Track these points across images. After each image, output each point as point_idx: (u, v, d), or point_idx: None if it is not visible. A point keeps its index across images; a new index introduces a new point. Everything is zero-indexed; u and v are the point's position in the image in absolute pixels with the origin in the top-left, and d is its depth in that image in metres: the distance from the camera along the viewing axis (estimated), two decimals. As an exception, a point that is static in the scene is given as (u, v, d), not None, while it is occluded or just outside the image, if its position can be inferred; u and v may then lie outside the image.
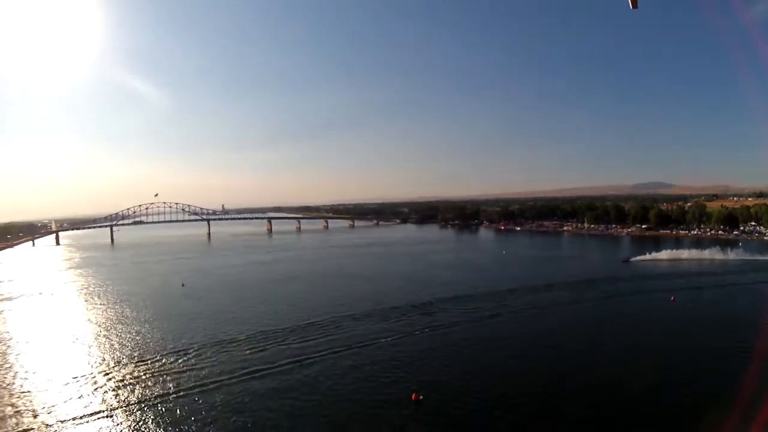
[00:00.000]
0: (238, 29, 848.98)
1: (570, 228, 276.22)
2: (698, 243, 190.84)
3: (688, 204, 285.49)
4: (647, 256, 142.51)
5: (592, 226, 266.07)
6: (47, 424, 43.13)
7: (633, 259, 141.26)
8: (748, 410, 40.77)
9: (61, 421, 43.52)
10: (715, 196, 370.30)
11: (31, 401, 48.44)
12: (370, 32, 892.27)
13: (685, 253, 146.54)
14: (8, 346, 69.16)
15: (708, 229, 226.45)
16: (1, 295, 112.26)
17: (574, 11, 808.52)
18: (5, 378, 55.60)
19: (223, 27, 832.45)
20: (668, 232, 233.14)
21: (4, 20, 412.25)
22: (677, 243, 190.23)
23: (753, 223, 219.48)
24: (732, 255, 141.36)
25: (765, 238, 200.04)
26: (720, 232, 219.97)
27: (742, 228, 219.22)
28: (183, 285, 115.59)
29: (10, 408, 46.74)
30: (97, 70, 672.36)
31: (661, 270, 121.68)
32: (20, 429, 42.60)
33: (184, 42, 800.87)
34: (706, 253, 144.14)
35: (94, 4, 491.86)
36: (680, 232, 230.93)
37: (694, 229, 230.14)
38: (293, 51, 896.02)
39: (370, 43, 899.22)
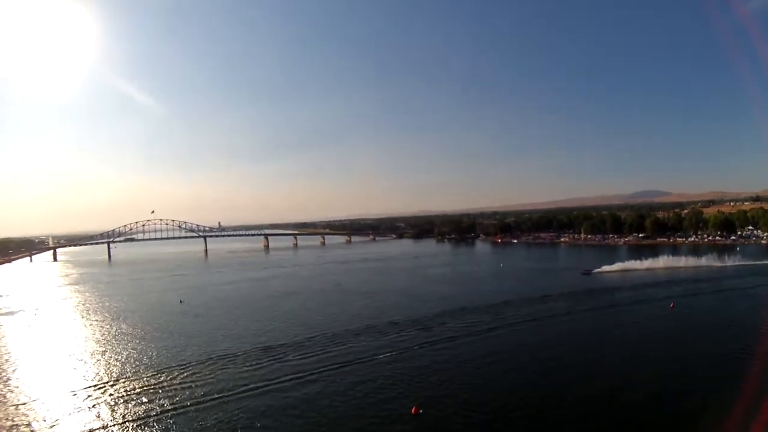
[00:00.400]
0: (235, 40, 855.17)
1: (567, 239, 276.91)
2: (695, 250, 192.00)
3: (685, 211, 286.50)
4: (611, 267, 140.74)
5: (589, 236, 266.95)
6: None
7: (595, 270, 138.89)
8: (749, 416, 40.62)
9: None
10: (711, 202, 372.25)
11: (27, 416, 48.00)
12: (367, 43, 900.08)
13: (660, 262, 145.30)
14: (5, 361, 68.67)
15: (705, 236, 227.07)
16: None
17: (568, 21, 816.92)
18: (1, 393, 55.15)
19: (220, 37, 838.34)
20: (665, 240, 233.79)
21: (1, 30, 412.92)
22: (674, 250, 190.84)
23: (750, 228, 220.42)
24: (707, 262, 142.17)
25: (763, 241, 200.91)
26: (717, 237, 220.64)
27: (739, 233, 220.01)
28: (181, 302, 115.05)
29: (7, 423, 46.30)
30: (94, 80, 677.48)
31: (659, 278, 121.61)
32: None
33: (181, 52, 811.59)
34: (687, 261, 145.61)
35: (90, 14, 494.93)
36: (677, 239, 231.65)
37: (691, 236, 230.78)
38: (290, 61, 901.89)
39: (366, 55, 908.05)
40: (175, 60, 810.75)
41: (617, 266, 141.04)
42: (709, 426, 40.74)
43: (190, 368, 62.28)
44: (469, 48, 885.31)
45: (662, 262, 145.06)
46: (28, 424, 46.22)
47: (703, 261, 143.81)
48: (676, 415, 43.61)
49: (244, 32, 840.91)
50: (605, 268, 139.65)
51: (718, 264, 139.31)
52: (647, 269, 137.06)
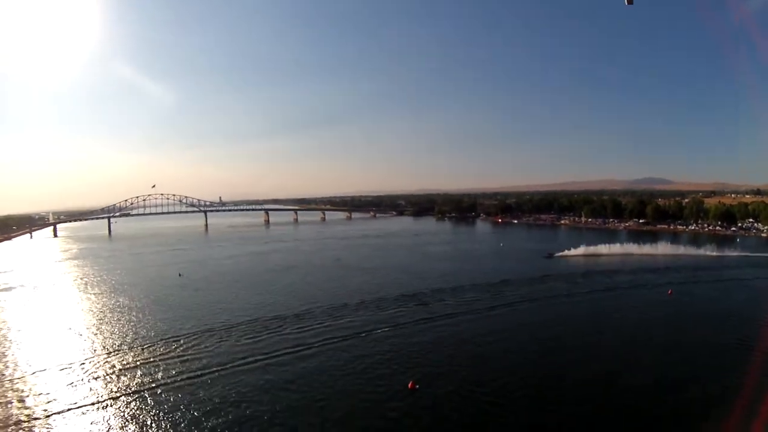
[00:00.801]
0: (238, 21, 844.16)
1: (567, 221, 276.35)
2: (695, 238, 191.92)
3: (686, 200, 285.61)
4: (574, 251, 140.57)
5: (590, 219, 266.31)
6: (44, 412, 43.00)
7: (558, 254, 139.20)
8: (748, 408, 40.63)
9: (57, 410, 43.37)
10: (713, 193, 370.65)
11: (28, 390, 48.34)
12: (371, 24, 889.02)
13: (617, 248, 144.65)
14: (4, 336, 68.84)
15: (705, 225, 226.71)
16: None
17: (573, 6, 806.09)
18: (1, 366, 55.40)
19: (223, 19, 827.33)
20: (665, 227, 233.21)
21: (5, 13, 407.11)
22: (674, 238, 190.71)
23: (751, 220, 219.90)
24: (687, 250, 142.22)
25: (762, 234, 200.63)
26: (718, 228, 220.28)
27: (740, 224, 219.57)
28: (180, 275, 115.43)
29: (7, 395, 46.60)
30: (95, 62, 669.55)
31: (658, 263, 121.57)
32: (17, 418, 42.39)
33: (183, 34, 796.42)
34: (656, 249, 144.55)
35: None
36: (678, 227, 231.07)
37: (691, 225, 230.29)
38: (294, 43, 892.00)
39: (370, 35, 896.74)
40: (178, 43, 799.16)
41: (581, 250, 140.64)
42: (708, 416, 40.79)
43: (189, 341, 62.70)
44: (473, 31, 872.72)
45: (622, 248, 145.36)
46: (27, 397, 46.54)
47: (680, 250, 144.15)
48: (674, 402, 43.78)
49: (248, 15, 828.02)
50: (567, 252, 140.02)
51: (692, 252, 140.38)
52: (611, 254, 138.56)
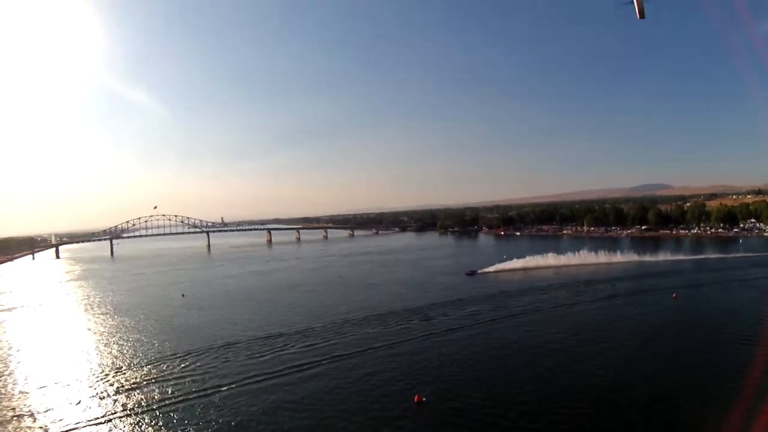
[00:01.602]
0: (236, 35, 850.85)
1: (569, 231, 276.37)
2: (698, 242, 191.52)
3: (688, 204, 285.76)
4: (497, 267, 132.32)
5: (592, 228, 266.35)
6: (47, 430, 42.81)
7: (480, 270, 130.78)
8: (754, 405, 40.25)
9: (61, 427, 43.19)
10: (714, 196, 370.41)
11: (31, 407, 48.34)
12: (372, 37, 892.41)
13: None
14: (8, 354, 68.88)
15: (708, 228, 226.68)
16: (1, 305, 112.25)
17: (570, 14, 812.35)
18: (5, 384, 55.30)
19: (221, 33, 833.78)
20: (668, 232, 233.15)
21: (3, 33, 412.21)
22: (677, 243, 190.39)
23: (753, 220, 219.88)
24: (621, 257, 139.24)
25: (765, 234, 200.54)
26: (720, 230, 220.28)
27: (742, 225, 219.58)
28: (183, 295, 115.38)
29: (10, 413, 46.51)
30: (93, 80, 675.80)
31: (661, 268, 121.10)
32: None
33: (181, 49, 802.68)
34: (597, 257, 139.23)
35: (90, 15, 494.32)
36: (680, 231, 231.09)
37: (693, 228, 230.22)
38: (291, 56, 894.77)
39: (368, 47, 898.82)
40: (177, 61, 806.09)
41: (499, 266, 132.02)
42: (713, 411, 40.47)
43: (192, 359, 62.55)
44: (472, 42, 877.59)
45: (552, 259, 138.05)
46: (32, 415, 46.44)
47: (600, 258, 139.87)
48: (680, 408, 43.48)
49: (248, 31, 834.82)
50: (490, 268, 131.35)
51: (635, 259, 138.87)
52: (537, 267, 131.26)
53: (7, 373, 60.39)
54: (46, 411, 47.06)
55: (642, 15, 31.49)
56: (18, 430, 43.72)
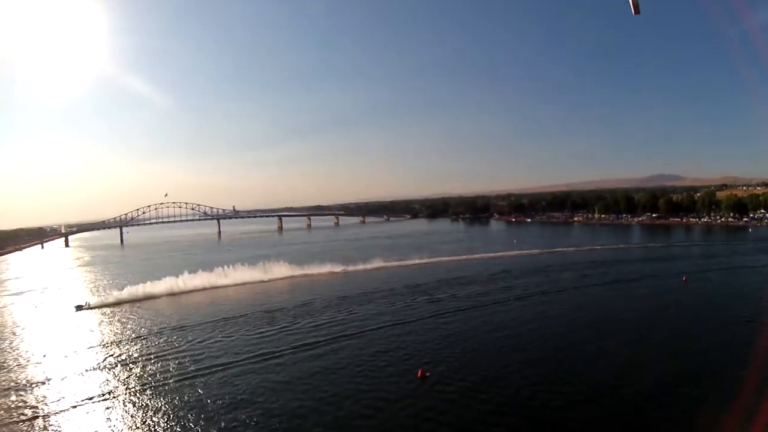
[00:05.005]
0: (245, 28, 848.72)
1: (580, 218, 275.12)
2: (708, 230, 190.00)
3: (698, 194, 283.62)
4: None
5: (603, 216, 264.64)
6: (49, 409, 42.89)
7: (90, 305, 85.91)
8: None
9: (63, 406, 43.11)
10: (724, 186, 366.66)
11: (29, 384, 48.78)
12: (381, 28, 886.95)
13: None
14: (10, 339, 69.14)
15: (718, 217, 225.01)
16: (9, 290, 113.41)
17: (580, 4, 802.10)
18: (8, 368, 55.56)
19: (230, 26, 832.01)
20: (678, 220, 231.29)
21: (7, 23, 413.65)
22: (687, 231, 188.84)
23: (762, 210, 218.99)
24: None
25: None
26: (730, 219, 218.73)
27: (751, 215, 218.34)
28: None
29: (12, 398, 46.45)
30: (102, 72, 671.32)
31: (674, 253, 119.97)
32: (23, 414, 42.35)
33: (190, 42, 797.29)
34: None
35: (98, 7, 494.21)
36: (690, 219, 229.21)
37: (704, 217, 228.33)
38: (302, 49, 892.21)
39: (380, 39, 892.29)
40: (186, 53, 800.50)
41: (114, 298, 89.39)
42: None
43: (195, 335, 63.07)
44: (484, 35, 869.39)
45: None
46: (28, 391, 46.82)
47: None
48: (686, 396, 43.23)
49: (258, 25, 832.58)
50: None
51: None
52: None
53: (8, 356, 59.70)
54: (44, 389, 47.12)
55: (637, 11, 30.76)
56: (21, 400, 44.24)
